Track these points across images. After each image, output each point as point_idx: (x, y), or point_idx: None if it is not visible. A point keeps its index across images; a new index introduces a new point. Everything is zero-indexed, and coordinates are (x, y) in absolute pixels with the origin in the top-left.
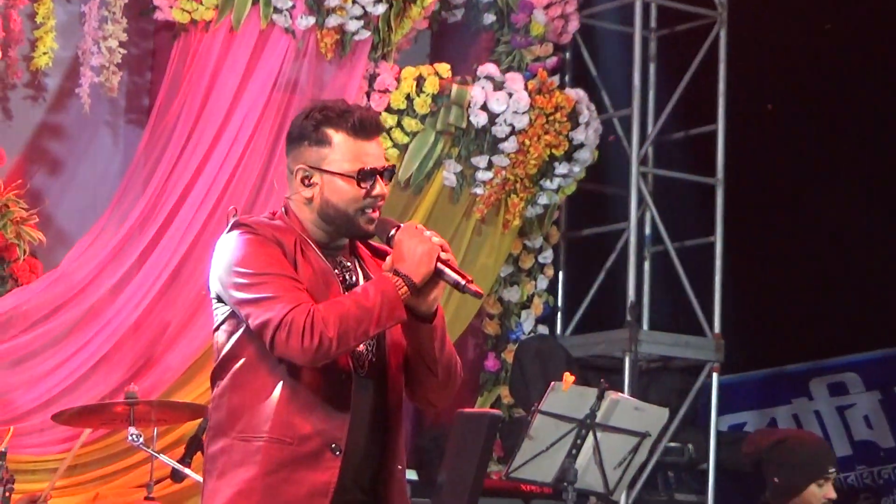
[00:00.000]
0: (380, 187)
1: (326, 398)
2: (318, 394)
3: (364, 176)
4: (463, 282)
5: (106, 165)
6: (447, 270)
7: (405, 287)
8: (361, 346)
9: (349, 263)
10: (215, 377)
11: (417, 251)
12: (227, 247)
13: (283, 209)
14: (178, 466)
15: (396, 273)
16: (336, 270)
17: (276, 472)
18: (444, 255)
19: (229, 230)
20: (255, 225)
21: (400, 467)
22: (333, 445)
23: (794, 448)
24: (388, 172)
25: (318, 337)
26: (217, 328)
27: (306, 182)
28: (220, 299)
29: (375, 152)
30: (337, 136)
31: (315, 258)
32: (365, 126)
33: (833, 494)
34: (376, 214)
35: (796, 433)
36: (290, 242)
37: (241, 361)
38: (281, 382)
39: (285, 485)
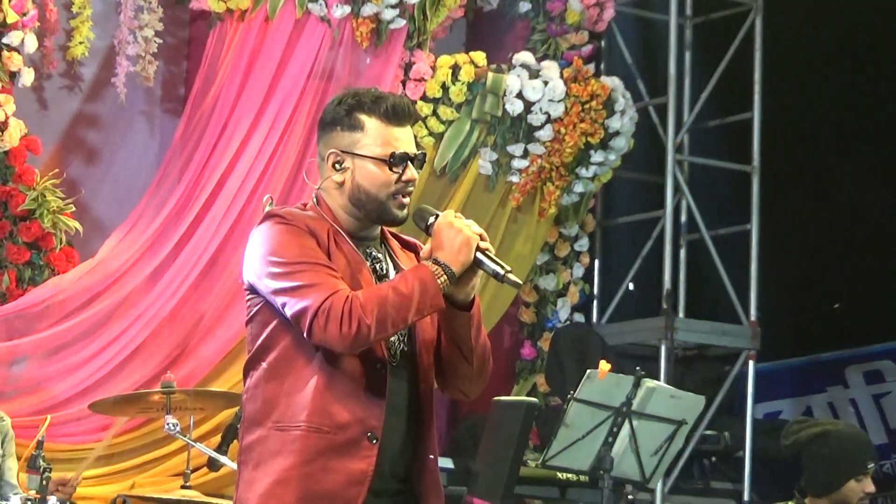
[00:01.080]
0: (410, 172)
1: (363, 387)
2: (354, 382)
3: (396, 160)
4: (502, 272)
5: (142, 155)
6: (486, 260)
7: (444, 276)
8: (393, 336)
9: (379, 254)
10: (249, 368)
11: (457, 240)
12: (261, 237)
13: (314, 199)
14: (215, 455)
15: (436, 262)
16: (367, 261)
17: (313, 460)
18: (482, 245)
19: (262, 221)
20: (287, 215)
21: (432, 457)
22: (370, 434)
23: (835, 443)
24: (420, 159)
25: (356, 323)
26: (250, 320)
27: (338, 167)
28: (253, 290)
29: (407, 138)
30: (370, 122)
31: (347, 248)
32: (398, 112)
33: (872, 488)
34: (407, 200)
35: (837, 426)
36: (323, 232)
37: (276, 352)
38: (317, 372)
39: (322, 473)
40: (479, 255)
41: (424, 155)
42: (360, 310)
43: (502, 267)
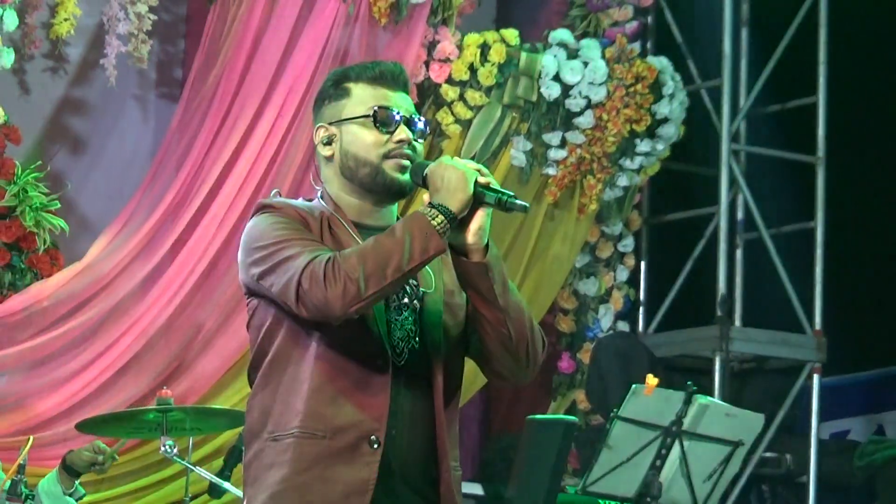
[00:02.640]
0: (403, 132)
1: (361, 386)
2: (351, 382)
3: (381, 117)
4: (505, 198)
5: (135, 145)
6: (486, 191)
7: (440, 216)
8: (401, 332)
9: None
10: (250, 379)
11: (452, 177)
12: (247, 230)
13: (318, 194)
14: (217, 480)
15: (430, 205)
16: None
17: (308, 469)
18: (482, 179)
19: (251, 215)
20: (276, 205)
21: (454, 464)
22: (372, 438)
23: None
24: (416, 124)
25: (342, 280)
26: (248, 324)
27: (326, 141)
28: (249, 291)
29: (399, 101)
30: (356, 87)
31: (346, 235)
32: (386, 75)
33: None
34: (406, 163)
35: None
36: (315, 218)
37: (271, 355)
38: (310, 371)
39: (319, 483)
40: (478, 188)
41: (426, 123)
42: (345, 265)
43: (504, 193)
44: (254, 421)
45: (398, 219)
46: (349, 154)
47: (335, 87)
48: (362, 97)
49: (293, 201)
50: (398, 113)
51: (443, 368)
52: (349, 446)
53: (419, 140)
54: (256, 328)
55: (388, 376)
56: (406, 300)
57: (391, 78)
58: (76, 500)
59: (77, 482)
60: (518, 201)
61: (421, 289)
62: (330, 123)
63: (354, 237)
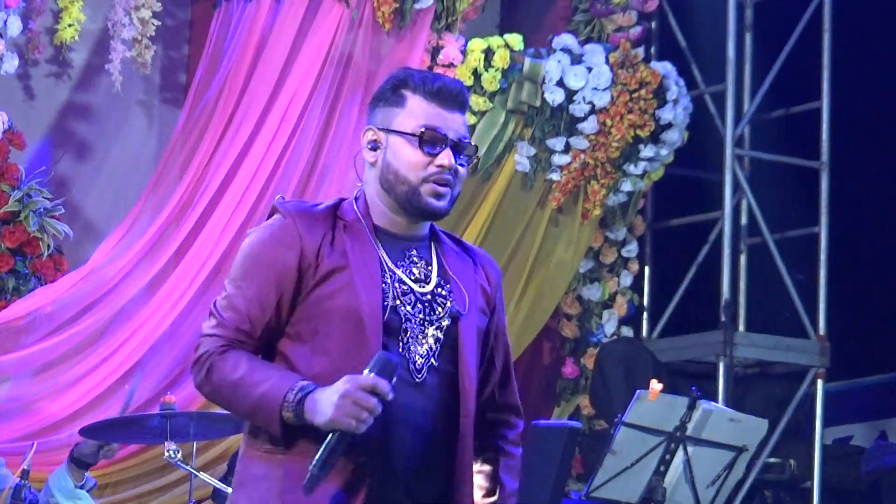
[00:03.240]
0: (447, 158)
1: None
2: None
3: (427, 138)
4: (309, 465)
5: (139, 150)
6: (322, 448)
7: (290, 412)
8: (422, 348)
9: (419, 256)
10: None
11: (329, 409)
12: (247, 237)
13: (354, 195)
14: (221, 486)
15: (300, 392)
16: (393, 262)
17: (297, 488)
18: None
19: (268, 215)
20: (285, 212)
21: (467, 487)
22: (362, 459)
23: None
24: (464, 150)
25: (197, 382)
26: None
27: (372, 145)
28: None
29: (451, 122)
30: (413, 99)
31: (361, 245)
32: (444, 94)
33: None
34: (445, 190)
35: None
36: (316, 236)
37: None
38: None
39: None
40: (332, 437)
41: (474, 148)
42: (205, 376)
43: (315, 464)
44: (247, 433)
45: (431, 230)
46: (391, 168)
47: (393, 92)
48: (415, 111)
49: (304, 210)
50: (445, 136)
51: (463, 383)
52: (340, 467)
53: (464, 165)
54: None
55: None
56: (436, 317)
57: (449, 96)
58: (88, 490)
59: (87, 473)
60: (309, 484)
61: (455, 307)
62: (379, 128)
63: (374, 248)
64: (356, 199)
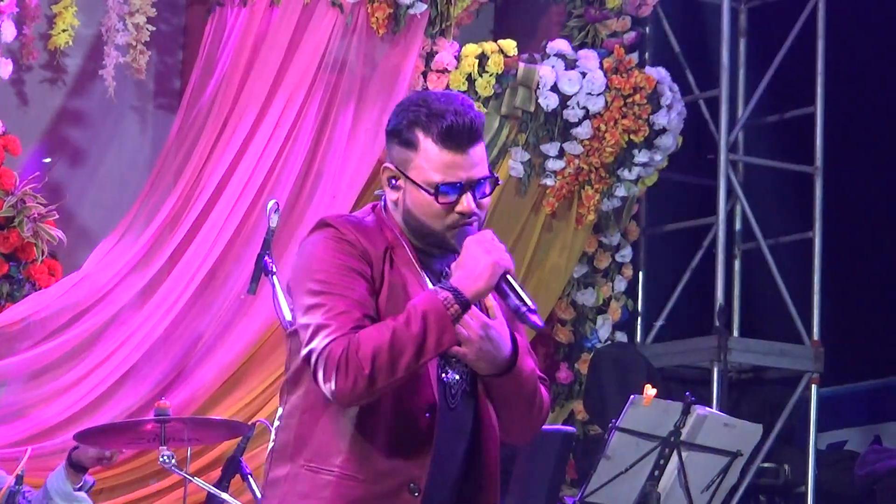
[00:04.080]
0: (466, 203)
1: (407, 433)
2: (397, 426)
3: (443, 190)
4: (523, 309)
5: (133, 155)
6: (509, 291)
7: (455, 305)
8: (453, 376)
9: (451, 270)
10: (285, 390)
11: (481, 262)
12: (305, 250)
13: (382, 203)
14: (215, 491)
15: (450, 288)
16: (434, 278)
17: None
18: (509, 279)
19: (313, 230)
20: (342, 227)
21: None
22: (412, 485)
23: None
24: (484, 183)
25: (353, 375)
26: (293, 332)
27: (392, 183)
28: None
29: (466, 164)
30: (424, 142)
31: (407, 267)
32: (453, 134)
33: None
34: (471, 229)
35: None
36: (379, 250)
37: (312, 381)
38: (357, 411)
39: None
40: (504, 284)
41: (496, 180)
42: (357, 359)
43: (525, 303)
44: (289, 440)
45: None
46: (412, 215)
47: (407, 130)
48: (429, 157)
49: (356, 223)
50: (460, 186)
51: (493, 414)
52: (390, 492)
53: (486, 195)
54: (300, 342)
55: (435, 420)
56: None
57: (459, 137)
58: (87, 491)
59: (84, 475)
60: (532, 318)
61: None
62: (397, 167)
63: (418, 270)
64: (385, 209)
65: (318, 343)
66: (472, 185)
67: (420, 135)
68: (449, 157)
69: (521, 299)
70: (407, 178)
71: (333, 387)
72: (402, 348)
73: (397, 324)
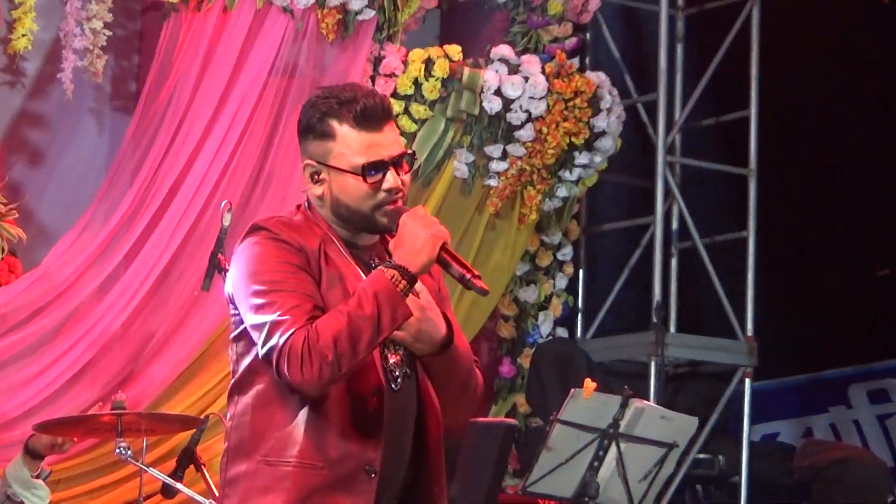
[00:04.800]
0: (392, 179)
1: (358, 417)
2: (348, 413)
3: (369, 170)
4: (468, 276)
5: (90, 156)
6: (451, 262)
7: (403, 281)
8: (393, 359)
9: (378, 265)
10: (235, 391)
11: (420, 236)
12: (242, 255)
13: (306, 203)
14: (170, 481)
15: (394, 266)
16: (365, 271)
17: (306, 498)
18: (449, 249)
19: (248, 233)
20: (274, 228)
21: (437, 489)
22: (368, 468)
23: (857, 470)
24: (405, 159)
25: (317, 363)
26: (237, 336)
27: (315, 178)
28: (235, 308)
29: (384, 142)
30: (341, 129)
31: (341, 261)
32: (368, 115)
33: None
34: (398, 207)
35: (857, 454)
36: (313, 246)
37: (268, 376)
38: (308, 403)
39: None
40: (444, 255)
41: (410, 154)
42: (319, 348)
43: (469, 270)
44: (244, 438)
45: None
46: (340, 202)
47: (320, 123)
48: (348, 142)
49: (286, 222)
50: (384, 162)
51: (432, 391)
52: (348, 476)
53: (407, 171)
54: (248, 344)
55: (383, 404)
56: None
57: (373, 116)
58: (43, 479)
59: (41, 463)
60: (478, 283)
61: None
62: (318, 162)
63: (350, 262)
64: (309, 207)
65: (277, 339)
66: (395, 162)
67: (335, 123)
68: (368, 138)
69: (465, 267)
70: (330, 167)
71: (301, 378)
72: (359, 330)
73: (350, 308)
